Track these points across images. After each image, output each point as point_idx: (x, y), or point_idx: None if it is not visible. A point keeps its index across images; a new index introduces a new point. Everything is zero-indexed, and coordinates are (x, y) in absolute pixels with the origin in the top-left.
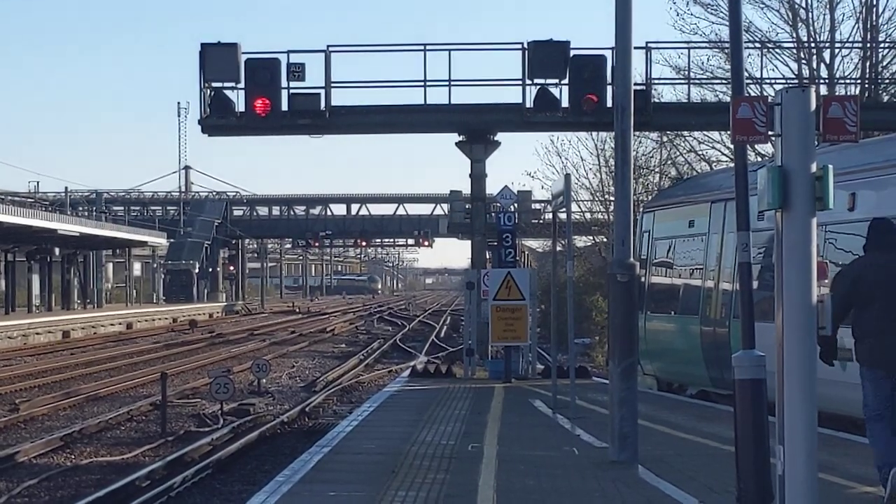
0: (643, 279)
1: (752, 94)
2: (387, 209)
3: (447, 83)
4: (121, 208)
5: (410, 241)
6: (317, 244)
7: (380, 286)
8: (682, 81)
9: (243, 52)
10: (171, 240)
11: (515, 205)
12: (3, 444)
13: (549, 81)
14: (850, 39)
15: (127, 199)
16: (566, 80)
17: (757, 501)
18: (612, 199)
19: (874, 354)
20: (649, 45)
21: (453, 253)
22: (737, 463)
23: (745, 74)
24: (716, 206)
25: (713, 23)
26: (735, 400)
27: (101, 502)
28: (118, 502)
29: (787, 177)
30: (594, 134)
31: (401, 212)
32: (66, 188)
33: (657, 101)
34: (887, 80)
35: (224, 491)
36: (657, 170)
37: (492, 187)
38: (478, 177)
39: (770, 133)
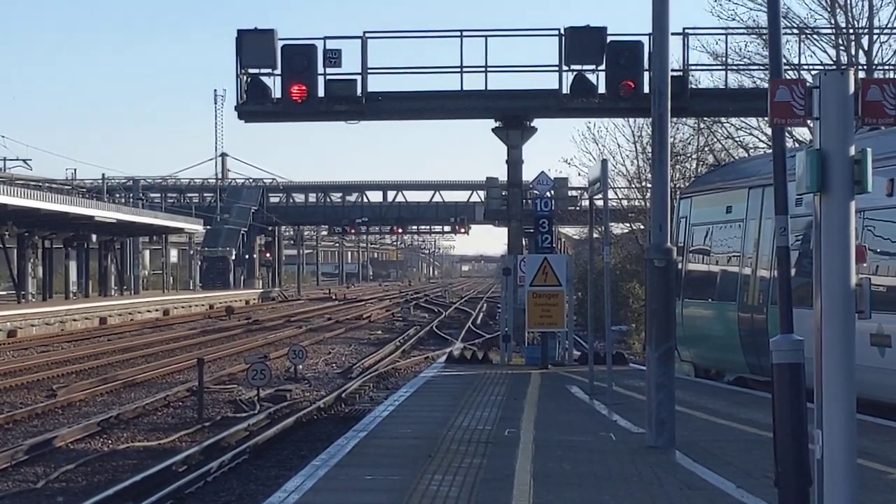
0: (680, 265)
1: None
2: (423, 196)
3: (483, 69)
4: (157, 195)
5: (447, 228)
6: (353, 231)
7: (371, 272)
8: (720, 67)
9: (280, 39)
10: (208, 227)
11: (552, 191)
12: (41, 429)
13: (585, 67)
14: (889, 25)
15: (164, 186)
16: (603, 66)
17: (795, 486)
18: (648, 185)
19: None
20: (686, 31)
21: (489, 240)
22: (775, 447)
23: (783, 60)
24: (753, 191)
25: (751, 9)
26: (773, 384)
27: (138, 487)
28: (155, 487)
29: (826, 160)
30: (631, 121)
31: (437, 199)
32: (103, 175)
33: (694, 87)
34: None
35: (260, 476)
36: (694, 156)
37: (528, 175)
38: (514, 163)
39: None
